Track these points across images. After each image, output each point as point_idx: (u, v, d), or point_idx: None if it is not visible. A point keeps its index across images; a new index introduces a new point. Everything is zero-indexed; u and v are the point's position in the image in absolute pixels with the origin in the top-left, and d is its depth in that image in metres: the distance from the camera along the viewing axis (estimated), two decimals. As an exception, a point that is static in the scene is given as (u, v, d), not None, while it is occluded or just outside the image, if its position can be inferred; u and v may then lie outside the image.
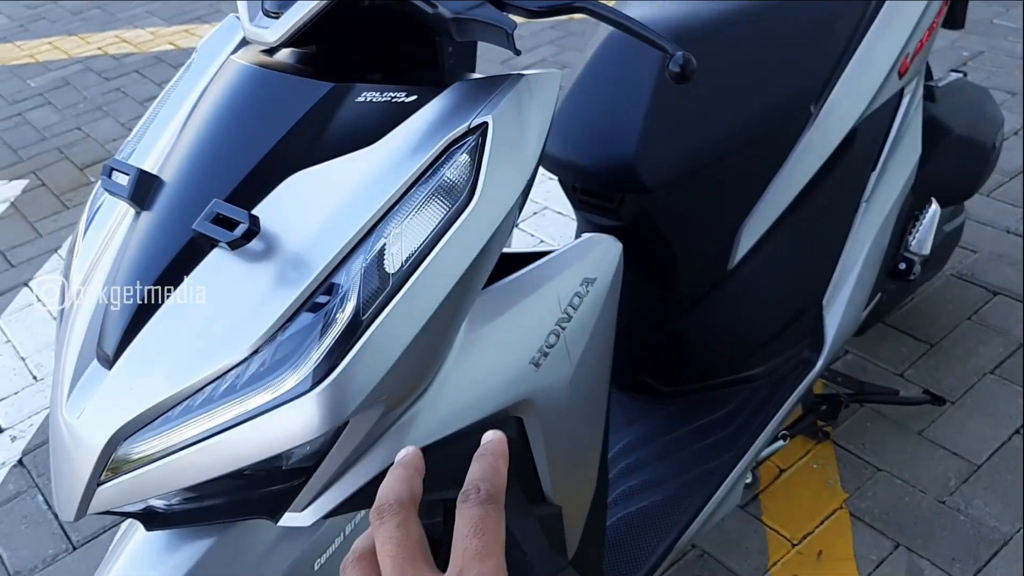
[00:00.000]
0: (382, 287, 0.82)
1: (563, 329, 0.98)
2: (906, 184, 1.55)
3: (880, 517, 1.74)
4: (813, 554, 1.69)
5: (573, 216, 1.48)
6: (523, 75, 0.90)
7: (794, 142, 1.39)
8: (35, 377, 2.40)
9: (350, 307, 0.82)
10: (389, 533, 0.42)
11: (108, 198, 1.00)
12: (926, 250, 1.61)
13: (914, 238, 1.61)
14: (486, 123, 0.86)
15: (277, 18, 0.90)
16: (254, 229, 0.82)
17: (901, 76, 1.45)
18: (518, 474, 1.03)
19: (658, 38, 0.81)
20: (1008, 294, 2.20)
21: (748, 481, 1.53)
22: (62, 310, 0.98)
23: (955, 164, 1.73)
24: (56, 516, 1.99)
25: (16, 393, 2.37)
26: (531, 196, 2.76)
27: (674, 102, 1.30)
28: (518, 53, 0.82)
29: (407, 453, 0.47)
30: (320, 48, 0.95)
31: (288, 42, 0.90)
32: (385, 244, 0.83)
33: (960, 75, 1.88)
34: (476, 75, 0.98)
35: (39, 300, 2.71)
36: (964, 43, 3.31)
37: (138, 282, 0.88)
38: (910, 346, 2.10)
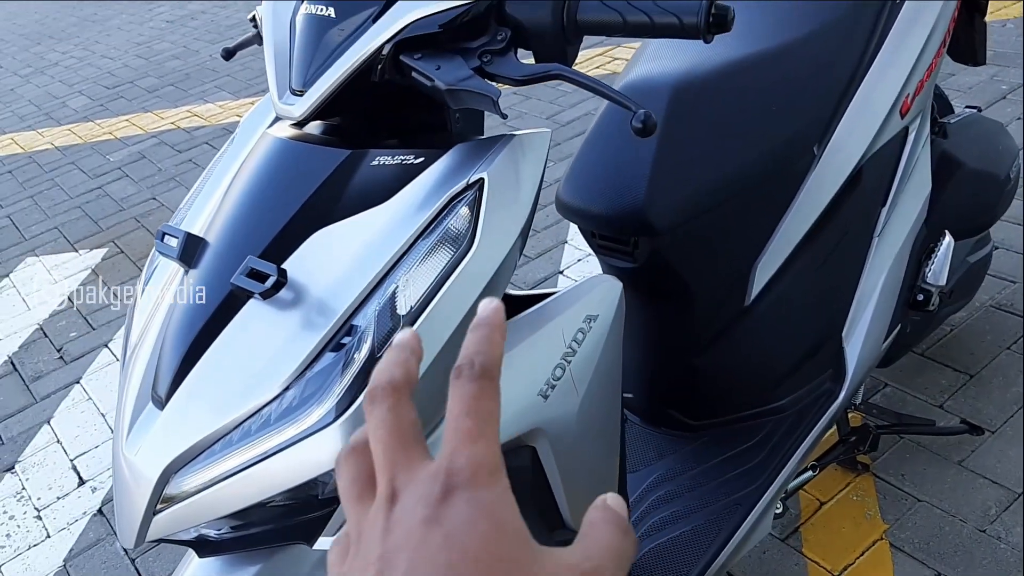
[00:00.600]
0: (394, 327, 0.92)
1: (568, 363, 1.06)
2: (918, 218, 1.60)
3: (920, 547, 1.76)
4: (853, 584, 1.72)
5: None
6: (515, 135, 1.01)
7: (800, 182, 1.46)
8: (114, 430, 2.56)
9: (366, 346, 0.92)
10: (381, 417, 0.39)
11: (162, 261, 1.13)
12: (942, 281, 1.65)
13: (930, 270, 1.65)
14: (483, 179, 0.96)
15: (302, 96, 1.03)
16: (282, 280, 0.94)
17: (903, 116, 1.51)
18: (536, 502, 1.12)
19: (623, 98, 0.91)
20: (1049, 323, 2.21)
21: (779, 511, 1.57)
22: (124, 359, 1.11)
23: (969, 197, 1.77)
24: (132, 560, 2.13)
25: (96, 447, 2.53)
26: (576, 244, 2.85)
27: (681, 148, 1.38)
28: (504, 117, 0.93)
29: (404, 335, 0.43)
30: (342, 119, 1.07)
31: (313, 116, 1.03)
32: (396, 288, 0.93)
33: (974, 110, 1.93)
34: (480, 137, 1.09)
35: (118, 360, 2.89)
36: (1003, 76, 3.33)
37: (186, 332, 1.00)
38: (949, 377, 2.12)
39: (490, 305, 0.42)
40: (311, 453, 0.92)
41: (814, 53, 1.46)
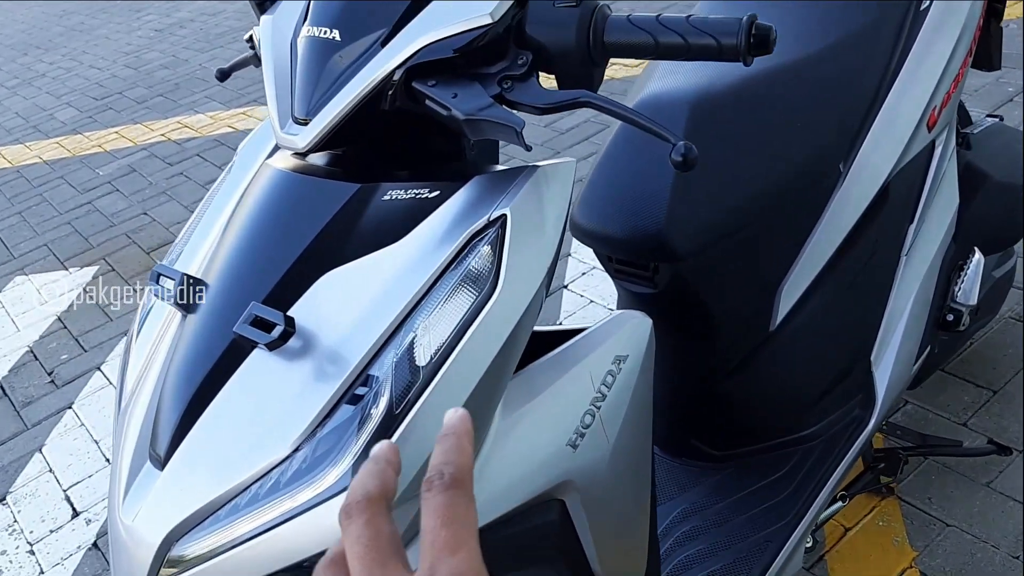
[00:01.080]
0: (413, 380, 0.85)
1: (598, 408, 0.99)
2: (946, 235, 1.53)
3: (952, 575, 1.69)
4: (883, 616, 1.65)
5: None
6: (538, 166, 0.93)
7: (825, 201, 1.39)
8: (108, 460, 2.48)
9: (384, 402, 0.85)
10: (357, 533, 0.39)
11: (158, 301, 1.06)
12: (973, 300, 1.58)
13: (960, 288, 1.59)
14: (505, 215, 0.89)
15: (306, 125, 0.95)
16: (290, 330, 0.86)
17: (930, 129, 1.44)
18: (564, 553, 1.04)
19: (659, 128, 0.84)
20: (1073, 335, 2.14)
21: (809, 545, 1.50)
22: (117, 411, 1.03)
23: (996, 211, 1.70)
24: (129, 598, 2.04)
25: (90, 476, 2.45)
26: (580, 257, 2.77)
27: (703, 169, 1.31)
28: (528, 149, 0.85)
29: (380, 447, 0.43)
30: (348, 149, 1.00)
31: (317, 147, 0.95)
32: (415, 337, 0.86)
33: (996, 119, 1.86)
34: (498, 167, 1.01)
35: (111, 384, 2.81)
36: (1009, 78, 3.26)
37: (186, 385, 0.93)
38: (972, 394, 2.05)
39: (456, 414, 0.43)
40: (327, 519, 0.84)
41: (838, 65, 1.39)
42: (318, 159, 1.01)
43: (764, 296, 1.41)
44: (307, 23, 0.97)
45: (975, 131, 1.76)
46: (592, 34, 0.88)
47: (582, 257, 2.85)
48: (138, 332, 1.07)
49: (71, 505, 2.36)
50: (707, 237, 1.31)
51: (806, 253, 1.40)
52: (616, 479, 1.02)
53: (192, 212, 3.75)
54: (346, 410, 0.86)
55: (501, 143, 1.03)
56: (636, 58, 0.90)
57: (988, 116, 1.88)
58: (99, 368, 2.90)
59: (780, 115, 1.36)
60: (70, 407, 2.74)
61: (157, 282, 1.00)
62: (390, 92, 0.91)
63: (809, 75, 1.38)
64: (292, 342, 0.88)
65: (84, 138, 4.91)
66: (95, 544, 2.22)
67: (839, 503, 1.60)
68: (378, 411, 0.85)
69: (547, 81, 0.90)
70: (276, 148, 1.12)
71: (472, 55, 0.89)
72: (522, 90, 0.88)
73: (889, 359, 1.49)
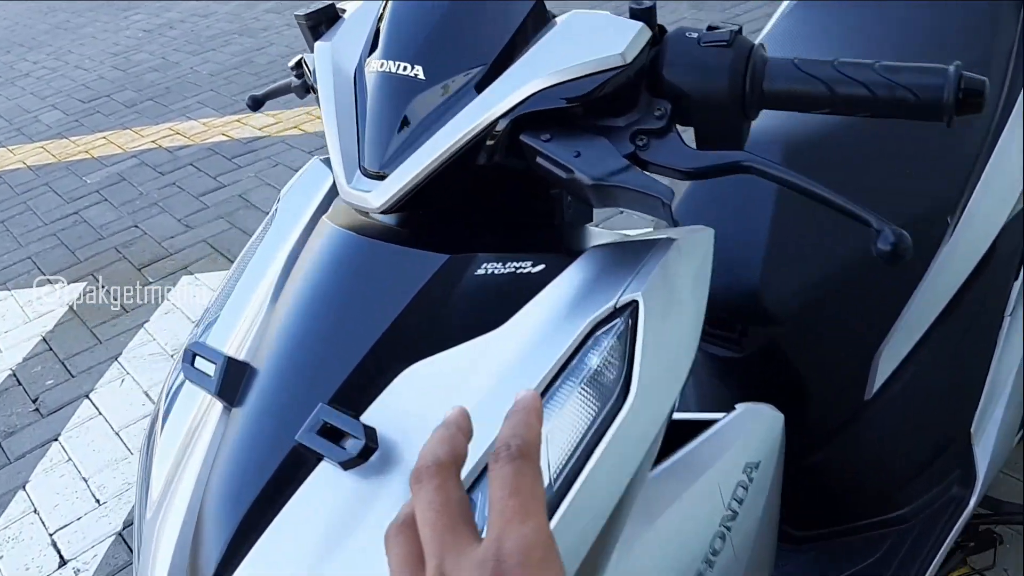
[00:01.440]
0: None
1: (728, 530, 0.83)
2: (1052, 292, 1.39)
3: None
4: None
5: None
6: (673, 239, 0.77)
7: (931, 258, 1.24)
8: (98, 500, 2.30)
9: None
10: (428, 498, 0.39)
11: (187, 384, 0.88)
12: (1079, 362, 1.43)
13: (1067, 351, 1.44)
14: (635, 301, 0.72)
15: (380, 179, 0.78)
16: (372, 446, 0.69)
17: (1046, 176, 1.30)
18: None
19: (857, 209, 0.68)
20: None
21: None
22: (140, 517, 0.85)
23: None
24: (122, 665, 1.86)
25: (79, 519, 2.26)
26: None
27: (801, 223, 1.16)
28: (675, 224, 0.69)
29: (453, 412, 0.44)
30: (424, 210, 0.83)
31: (395, 207, 0.78)
32: None
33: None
34: (598, 230, 0.85)
35: (101, 414, 2.61)
36: None
37: (235, 499, 0.75)
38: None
39: (527, 393, 0.44)
40: None
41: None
42: (388, 219, 0.84)
43: (860, 362, 1.26)
44: (377, 55, 0.80)
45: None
46: (749, 80, 0.71)
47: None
48: (164, 418, 0.89)
49: (58, 551, 2.16)
50: (806, 298, 1.16)
51: (908, 315, 1.24)
52: None
53: (187, 226, 3.53)
54: None
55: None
56: (800, 111, 0.74)
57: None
58: (87, 396, 2.70)
59: (885, 159, 1.21)
60: (56, 439, 2.55)
61: (192, 363, 0.83)
62: (490, 143, 0.74)
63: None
64: (372, 457, 0.71)
65: (70, 143, 4.70)
66: (121, 535, 2.05)
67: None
68: None
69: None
70: (328, 198, 0.95)
71: (594, 104, 0.73)
72: (661, 148, 0.72)
73: (992, 431, 1.34)
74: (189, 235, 3.50)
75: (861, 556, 1.31)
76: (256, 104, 1.17)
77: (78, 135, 4.80)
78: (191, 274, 3.24)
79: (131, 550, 2.12)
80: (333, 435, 0.71)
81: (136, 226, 3.68)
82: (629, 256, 0.76)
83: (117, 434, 2.52)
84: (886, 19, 1.30)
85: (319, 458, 0.72)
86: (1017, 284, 1.35)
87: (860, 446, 1.31)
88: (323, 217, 0.87)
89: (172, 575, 0.77)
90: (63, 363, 2.88)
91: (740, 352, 1.22)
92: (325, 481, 0.72)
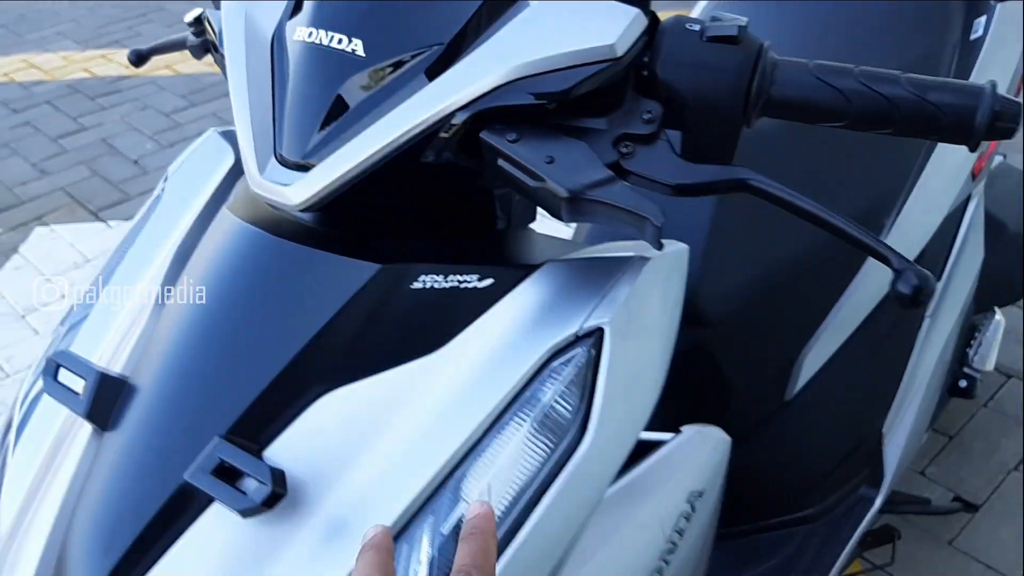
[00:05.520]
0: None
1: (667, 564, 0.76)
2: (970, 293, 1.38)
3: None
4: None
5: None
6: (645, 258, 0.68)
7: (862, 261, 1.20)
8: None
9: None
10: None
11: (47, 397, 0.74)
12: (990, 366, 1.44)
13: (976, 352, 1.44)
14: (601, 329, 0.63)
15: (302, 171, 0.65)
16: (279, 492, 0.58)
17: (974, 178, 1.28)
18: None
19: (876, 244, 0.60)
20: (1019, 376, 2.07)
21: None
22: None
23: (1011, 264, 1.56)
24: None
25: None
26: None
27: (738, 226, 1.10)
28: (660, 248, 0.60)
29: (376, 534, 0.44)
30: (349, 208, 0.70)
31: (317, 206, 0.66)
32: (466, 505, 0.60)
33: (1000, 158, 1.72)
34: (552, 239, 0.75)
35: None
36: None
37: (110, 537, 0.63)
38: (928, 440, 1.94)
39: (480, 509, 0.45)
40: None
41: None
42: (307, 217, 0.71)
43: (784, 363, 1.22)
44: (304, 20, 0.67)
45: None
46: (757, 85, 0.62)
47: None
48: (18, 433, 0.75)
49: None
50: (737, 301, 1.11)
51: (834, 317, 1.21)
52: None
53: (43, 172, 3.23)
54: None
55: None
56: (808, 122, 0.65)
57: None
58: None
59: (826, 162, 1.16)
60: None
61: (55, 377, 0.69)
62: (442, 137, 0.63)
63: None
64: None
65: (-96, 70, 4.23)
66: None
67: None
68: None
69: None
70: (227, 180, 0.81)
71: (571, 101, 0.62)
72: (648, 157, 0.62)
73: (902, 431, 1.33)
74: (44, 182, 3.19)
75: (770, 554, 1.28)
76: (139, 60, 1.01)
77: (-86, 61, 4.33)
78: (46, 225, 2.95)
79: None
80: (231, 475, 0.59)
81: (-17, 169, 3.34)
82: (595, 275, 0.66)
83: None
84: (836, 13, 1.24)
85: (212, 499, 0.61)
86: (939, 285, 1.34)
87: (777, 446, 1.27)
88: (224, 207, 0.74)
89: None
90: None
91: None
92: (218, 526, 0.61)
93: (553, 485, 0.60)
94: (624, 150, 0.62)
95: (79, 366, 0.68)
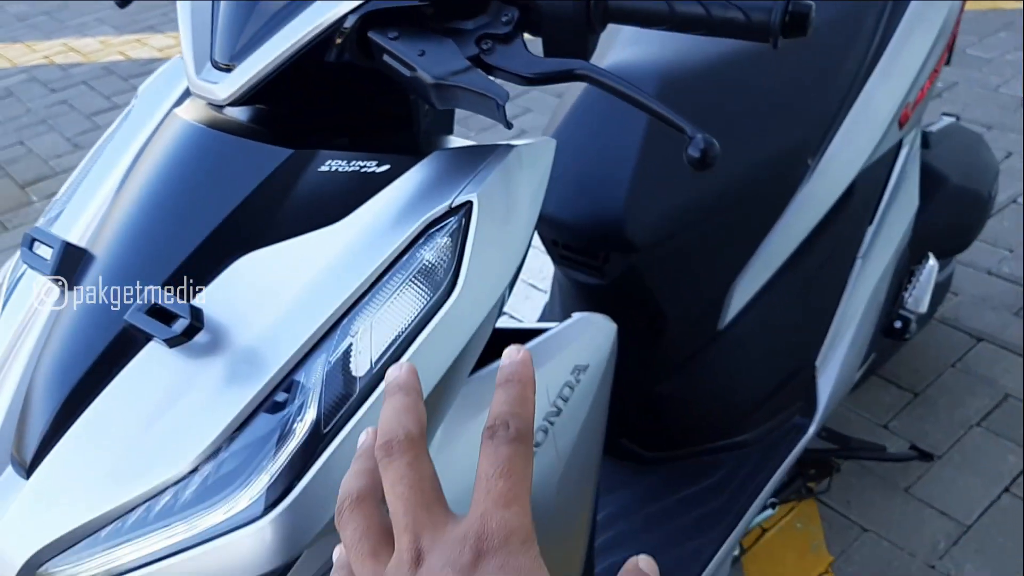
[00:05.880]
0: (347, 393, 0.71)
1: (551, 424, 0.87)
2: (903, 238, 1.47)
3: (868, 583, 1.66)
4: (799, 623, 1.60)
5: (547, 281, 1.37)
6: (513, 146, 0.79)
7: (790, 196, 1.30)
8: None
9: (310, 416, 0.70)
10: (400, 473, 0.37)
11: (30, 270, 0.87)
12: (923, 308, 1.53)
13: (910, 295, 1.53)
14: (470, 202, 0.75)
15: (228, 71, 0.78)
16: (196, 324, 0.70)
17: (901, 126, 1.36)
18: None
19: (675, 117, 0.71)
20: (991, 340, 2.14)
21: (736, 554, 1.43)
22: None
23: (952, 216, 1.65)
24: None
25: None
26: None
27: (666, 155, 1.20)
28: (509, 126, 0.71)
29: (402, 372, 0.41)
30: (276, 105, 0.83)
31: (241, 100, 0.78)
32: (352, 343, 0.71)
33: (953, 119, 1.80)
34: (456, 139, 0.87)
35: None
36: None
37: (61, 378, 0.76)
38: (894, 395, 2.02)
39: (518, 355, 0.41)
40: (229, 554, 0.69)
41: (815, 52, 1.28)
42: (239, 114, 0.84)
43: (716, 293, 1.32)
44: None
45: (932, 129, 1.70)
46: None
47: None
48: (4, 303, 0.88)
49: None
50: (667, 228, 1.20)
51: (764, 251, 1.31)
52: (561, 493, 0.91)
53: (76, 146, 3.42)
54: (264, 421, 0.71)
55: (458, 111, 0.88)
56: (643, 27, 0.76)
57: (944, 115, 1.82)
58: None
59: (752, 102, 1.25)
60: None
61: (31, 248, 0.82)
62: (338, 42, 0.75)
63: (785, 63, 1.27)
64: (198, 337, 0.72)
65: (-45, 53, 4.47)
66: None
67: (769, 510, 1.53)
68: (303, 426, 0.70)
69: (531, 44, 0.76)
70: (186, 95, 0.94)
71: (444, 5, 0.74)
72: (505, 53, 0.73)
73: (835, 365, 1.42)
74: (77, 155, 3.37)
75: (706, 476, 1.38)
76: (124, 1, 1.14)
77: (-36, 45, 4.56)
78: (78, 194, 3.13)
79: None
80: (163, 317, 0.72)
81: (22, 143, 3.53)
82: (470, 159, 0.78)
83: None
84: None
85: (148, 339, 0.73)
86: (871, 229, 1.43)
87: (710, 374, 1.37)
88: (174, 111, 0.86)
89: (-2, 452, 0.77)
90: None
91: (602, 278, 1.26)
92: (151, 360, 0.73)
93: (427, 326, 0.72)
94: (485, 47, 0.73)
95: (49, 238, 0.81)
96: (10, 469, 0.76)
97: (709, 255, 1.29)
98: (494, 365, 0.85)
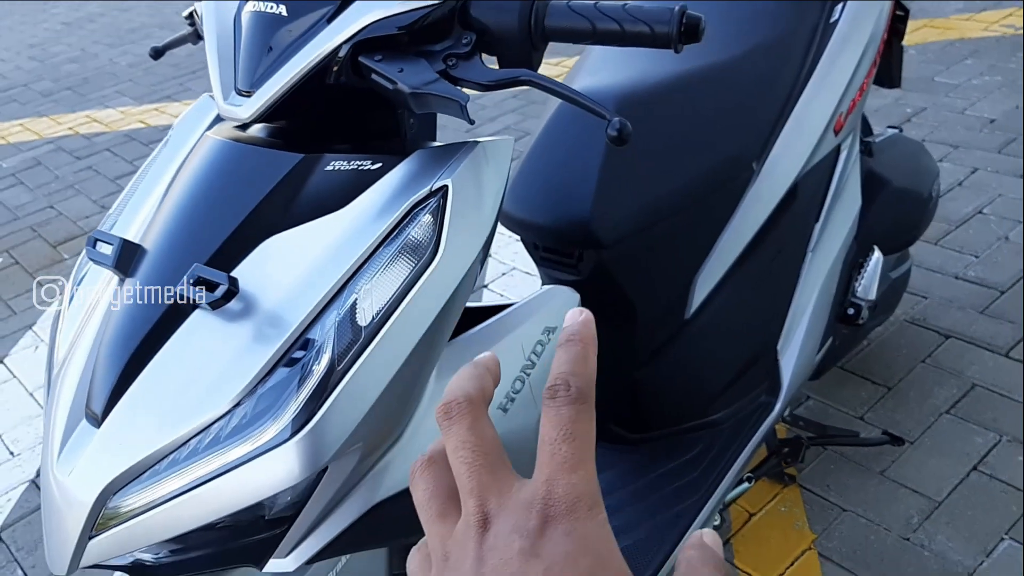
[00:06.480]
0: (355, 339, 0.88)
1: (528, 375, 1.04)
2: (849, 234, 1.64)
3: (848, 556, 1.79)
4: (784, 595, 1.74)
5: (539, 276, 1.55)
6: (479, 142, 0.98)
7: (740, 197, 1.47)
8: (12, 453, 2.41)
9: (325, 359, 0.88)
10: (462, 437, 0.38)
11: (92, 268, 1.06)
12: (872, 295, 1.69)
13: (860, 284, 1.70)
14: (446, 186, 0.93)
15: (248, 96, 0.97)
16: (233, 290, 0.89)
17: (836, 133, 1.55)
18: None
19: (596, 106, 0.89)
20: (959, 336, 2.29)
21: (717, 523, 1.58)
22: (49, 375, 1.03)
23: (895, 214, 1.83)
24: None
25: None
26: (500, 258, 2.81)
27: (626, 163, 1.38)
28: (472, 123, 0.90)
29: (483, 356, 0.42)
30: (289, 123, 1.03)
31: (260, 118, 0.98)
32: (356, 299, 0.89)
33: (896, 131, 2.00)
34: (437, 143, 1.06)
35: (15, 377, 2.72)
36: (907, 100, 3.47)
37: (124, 344, 0.94)
38: (868, 390, 2.18)
39: (579, 317, 0.40)
40: (266, 471, 0.87)
41: (755, 70, 1.47)
42: (259, 131, 1.03)
43: (680, 285, 1.49)
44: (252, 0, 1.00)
45: (876, 140, 1.88)
46: (533, 19, 0.93)
47: (502, 258, 2.90)
48: (71, 298, 1.07)
49: (7, 448, 2.29)
50: (630, 226, 1.38)
51: (720, 245, 1.48)
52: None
53: (102, 207, 3.63)
54: (287, 368, 0.89)
55: (439, 123, 1.07)
56: (574, 42, 0.95)
57: (889, 128, 2.01)
58: (2, 361, 2.81)
59: (702, 114, 1.44)
60: (-29, 399, 2.65)
61: (94, 247, 1.01)
62: (335, 67, 0.94)
63: (729, 78, 1.46)
64: (233, 304, 0.90)
65: (-14, 129, 4.75)
66: (34, 481, 2.22)
67: (745, 484, 1.68)
68: (319, 368, 0.87)
69: (489, 62, 0.95)
70: (214, 123, 1.13)
71: (417, 33, 0.94)
72: (466, 68, 0.92)
73: (794, 349, 1.59)
74: (104, 216, 3.60)
75: (683, 452, 1.54)
76: (157, 54, 1.35)
77: (-7, 122, 4.84)
78: (106, 250, 3.34)
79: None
80: (206, 288, 0.90)
81: (52, 207, 3.77)
82: (445, 154, 0.97)
83: (31, 395, 2.64)
84: None
85: (192, 309, 0.91)
86: (818, 225, 1.61)
87: (681, 361, 1.54)
88: (206, 133, 1.06)
89: (74, 408, 0.95)
90: (-22, 333, 2.98)
91: (578, 275, 1.43)
92: (195, 326, 0.91)
93: (416, 285, 0.90)
94: (450, 64, 0.92)
95: (109, 237, 1.00)
96: (84, 422, 0.94)
97: (671, 251, 1.46)
98: (472, 331, 1.03)
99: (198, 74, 5.07)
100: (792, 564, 1.80)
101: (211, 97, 1.19)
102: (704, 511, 1.48)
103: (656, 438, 1.57)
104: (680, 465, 1.53)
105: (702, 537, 0.38)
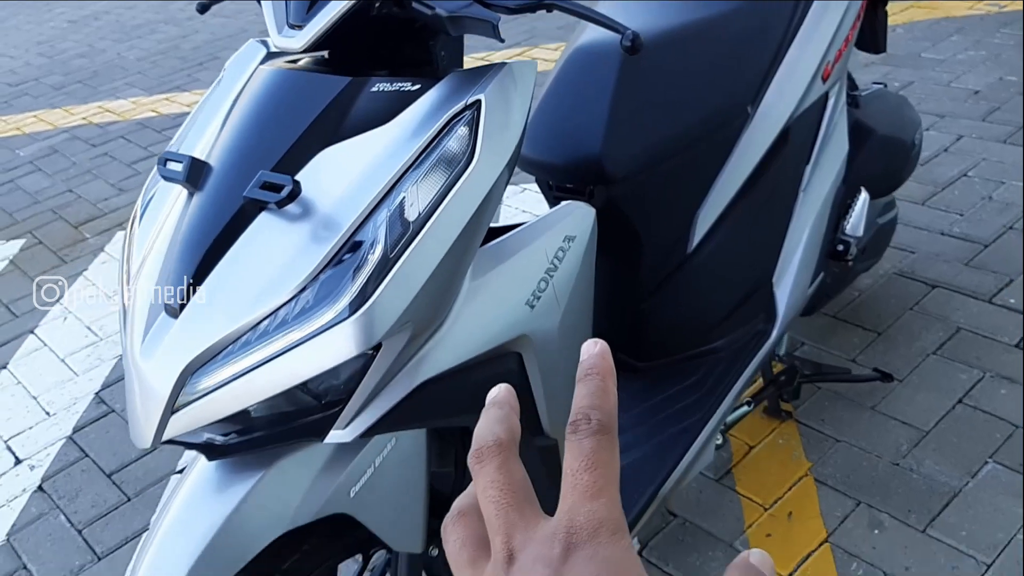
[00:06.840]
0: (404, 231, 1.01)
1: (551, 277, 1.17)
2: (837, 176, 1.77)
3: (842, 480, 1.92)
4: (784, 516, 1.87)
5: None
6: (506, 63, 1.11)
7: (737, 138, 1.61)
8: (48, 413, 2.54)
9: (379, 249, 1.01)
10: (491, 477, 0.38)
11: (160, 188, 1.19)
12: (860, 232, 1.82)
13: (848, 222, 1.83)
14: (480, 100, 1.06)
15: (299, 29, 1.10)
16: (296, 190, 1.02)
17: (824, 80, 1.68)
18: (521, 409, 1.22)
19: (612, 22, 1.03)
20: (945, 286, 2.43)
21: (719, 443, 1.71)
22: (124, 281, 1.15)
23: (880, 159, 1.96)
24: (80, 531, 2.12)
25: (31, 428, 2.50)
26: (509, 203, 2.90)
27: (633, 106, 1.51)
28: (502, 41, 1.03)
29: (499, 392, 0.42)
30: (332, 54, 1.16)
31: (312, 48, 1.11)
32: (404, 198, 1.02)
33: (880, 86, 2.13)
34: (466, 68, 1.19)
35: (46, 345, 2.85)
36: (896, 75, 3.60)
37: (197, 246, 1.07)
38: (860, 335, 2.31)
39: (595, 349, 0.41)
40: (327, 347, 0.99)
41: (749, 21, 1.61)
42: (306, 62, 1.16)
43: (683, 220, 1.62)
44: None
45: (862, 93, 2.02)
46: None
47: (510, 203, 3.02)
48: (141, 216, 1.20)
49: (13, 454, 2.41)
50: (638, 164, 1.51)
51: (720, 183, 1.61)
52: (564, 340, 1.20)
53: (121, 190, 3.76)
54: (345, 259, 1.01)
55: (466, 51, 1.21)
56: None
57: (874, 83, 2.15)
58: (32, 331, 2.93)
59: (701, 62, 1.58)
60: (5, 367, 2.77)
61: (164, 165, 1.14)
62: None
63: (727, 28, 1.60)
64: (294, 207, 1.03)
65: (1, 121, 4.87)
66: (40, 487, 2.28)
67: (745, 407, 1.81)
68: (374, 257, 1.00)
69: None
70: (265, 59, 1.26)
71: None
72: None
73: (788, 281, 1.72)
74: (123, 197, 3.74)
75: (685, 376, 1.67)
76: (203, 8, 1.48)
77: (7, 115, 4.96)
78: (125, 229, 3.47)
79: (80, 449, 2.39)
80: (272, 190, 1.03)
81: (71, 191, 3.89)
82: (478, 75, 1.10)
83: (63, 360, 2.76)
84: None
85: (258, 211, 1.04)
86: (809, 167, 1.74)
87: (684, 293, 1.67)
88: (260, 66, 1.19)
89: (153, 306, 1.08)
90: (7, 307, 3.10)
91: (593, 207, 1.57)
92: (262, 226, 1.04)
93: (455, 185, 1.03)
94: None
95: (178, 156, 1.13)
96: (163, 316, 1.07)
97: (674, 188, 1.60)
98: (500, 239, 1.16)
99: (205, 66, 5.20)
100: (790, 489, 1.93)
101: (258, 42, 1.32)
102: (706, 429, 1.61)
103: (660, 365, 1.71)
104: (683, 389, 1.66)
105: (749, 558, 0.38)
